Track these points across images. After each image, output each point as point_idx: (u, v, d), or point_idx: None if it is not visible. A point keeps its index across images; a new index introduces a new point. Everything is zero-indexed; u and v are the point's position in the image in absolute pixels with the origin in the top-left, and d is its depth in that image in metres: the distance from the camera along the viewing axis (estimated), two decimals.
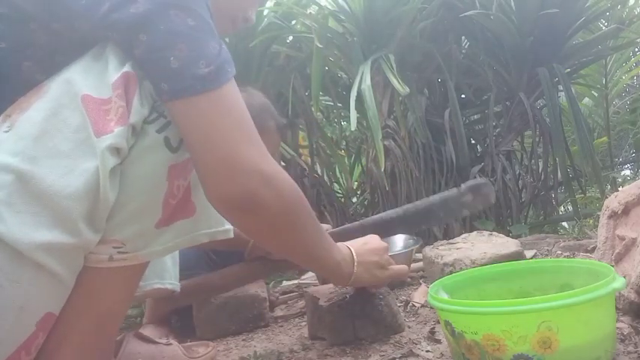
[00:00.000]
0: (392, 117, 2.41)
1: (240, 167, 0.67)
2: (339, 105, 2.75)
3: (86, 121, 0.64)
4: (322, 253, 0.86)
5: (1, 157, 0.62)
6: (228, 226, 0.80)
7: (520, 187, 2.67)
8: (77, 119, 0.64)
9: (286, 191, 0.73)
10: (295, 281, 1.73)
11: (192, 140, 0.68)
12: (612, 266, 0.94)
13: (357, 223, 1.13)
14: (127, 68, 0.66)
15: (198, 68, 0.66)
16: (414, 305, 1.25)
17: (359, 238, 0.98)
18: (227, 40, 2.39)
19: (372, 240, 0.99)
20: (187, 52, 0.65)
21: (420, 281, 1.46)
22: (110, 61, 0.67)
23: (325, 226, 1.16)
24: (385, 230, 1.10)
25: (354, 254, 0.94)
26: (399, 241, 1.68)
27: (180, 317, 1.32)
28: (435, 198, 1.09)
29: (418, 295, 1.31)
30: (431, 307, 1.15)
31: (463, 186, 1.09)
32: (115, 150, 0.64)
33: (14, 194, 0.61)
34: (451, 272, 1.23)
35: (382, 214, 1.13)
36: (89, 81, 0.66)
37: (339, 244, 0.92)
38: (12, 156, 0.62)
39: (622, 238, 0.99)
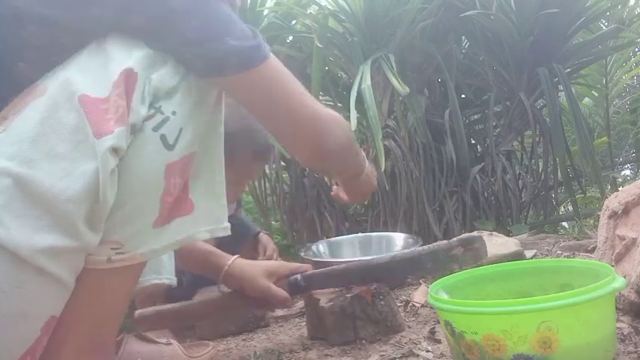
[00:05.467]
0: (392, 117, 2.41)
1: (318, 122, 0.83)
2: (339, 105, 2.74)
3: (84, 122, 0.63)
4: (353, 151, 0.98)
5: None
6: (227, 223, 0.80)
7: (520, 187, 2.67)
8: (74, 119, 0.63)
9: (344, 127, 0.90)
10: None
11: (262, 104, 0.78)
12: (612, 266, 0.94)
13: (343, 265, 1.13)
14: (127, 65, 0.65)
15: (251, 42, 0.73)
16: (414, 305, 1.25)
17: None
18: None
19: None
20: (238, 31, 0.72)
21: (420, 281, 1.46)
22: (109, 58, 0.66)
23: (305, 265, 1.16)
24: (371, 275, 1.10)
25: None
26: (399, 240, 1.69)
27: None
28: (424, 248, 1.08)
29: (418, 295, 1.31)
30: (431, 307, 1.15)
31: (454, 239, 1.08)
32: (115, 151, 0.63)
33: (13, 198, 0.60)
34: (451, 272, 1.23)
35: (369, 259, 1.13)
36: (86, 80, 0.65)
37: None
38: (8, 159, 0.61)
39: (622, 238, 0.99)
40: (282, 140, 0.92)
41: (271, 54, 0.77)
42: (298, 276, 1.11)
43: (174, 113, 0.68)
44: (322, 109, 0.86)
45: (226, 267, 1.09)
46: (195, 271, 1.22)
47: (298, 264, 1.17)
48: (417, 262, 1.06)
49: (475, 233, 1.09)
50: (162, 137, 0.67)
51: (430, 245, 1.10)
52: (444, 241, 1.08)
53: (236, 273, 1.10)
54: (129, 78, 0.65)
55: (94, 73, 0.65)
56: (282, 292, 1.09)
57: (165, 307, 1.14)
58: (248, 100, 0.79)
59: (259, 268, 1.11)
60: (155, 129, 0.67)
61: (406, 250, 1.14)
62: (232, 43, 0.71)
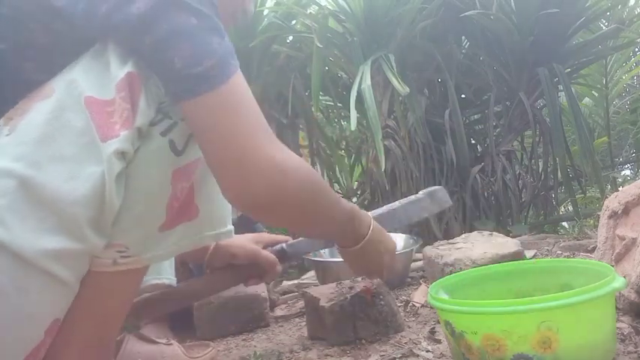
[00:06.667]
0: (392, 117, 2.41)
1: (253, 165, 0.66)
2: (339, 105, 2.74)
3: (90, 125, 0.62)
4: (339, 215, 0.84)
5: (2, 162, 0.60)
6: (230, 226, 0.80)
7: (520, 187, 2.67)
8: (80, 122, 0.63)
9: (303, 178, 0.72)
10: (295, 281, 1.73)
11: (204, 140, 0.67)
12: (612, 266, 0.94)
13: None
14: (130, 68, 0.65)
15: (201, 66, 0.64)
16: (414, 305, 1.25)
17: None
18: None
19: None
20: (190, 51, 0.64)
21: (420, 281, 1.46)
22: (112, 60, 0.65)
23: (285, 237, 1.18)
24: None
25: (372, 221, 0.92)
26: (399, 240, 1.69)
27: (180, 317, 1.32)
28: (395, 204, 1.14)
29: (418, 295, 1.31)
30: (431, 307, 1.15)
31: (420, 192, 1.18)
32: (121, 154, 0.63)
33: (18, 200, 0.60)
34: (451, 272, 1.23)
35: None
36: (91, 81, 0.65)
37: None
38: (14, 161, 0.60)
39: (622, 238, 0.99)
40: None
41: (226, 79, 0.66)
42: (283, 244, 1.14)
43: (182, 119, 0.68)
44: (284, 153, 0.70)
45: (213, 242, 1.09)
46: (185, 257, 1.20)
47: (280, 235, 1.20)
48: (393, 218, 1.12)
49: (437, 186, 1.21)
50: (171, 142, 0.67)
51: (400, 200, 1.17)
52: (412, 196, 1.18)
53: (225, 243, 1.08)
54: (133, 81, 0.65)
55: (97, 75, 0.65)
56: (272, 256, 1.10)
57: (152, 294, 1.13)
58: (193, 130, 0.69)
59: (246, 237, 1.13)
60: (163, 134, 0.67)
61: (380, 209, 1.17)
62: (177, 67, 0.64)
